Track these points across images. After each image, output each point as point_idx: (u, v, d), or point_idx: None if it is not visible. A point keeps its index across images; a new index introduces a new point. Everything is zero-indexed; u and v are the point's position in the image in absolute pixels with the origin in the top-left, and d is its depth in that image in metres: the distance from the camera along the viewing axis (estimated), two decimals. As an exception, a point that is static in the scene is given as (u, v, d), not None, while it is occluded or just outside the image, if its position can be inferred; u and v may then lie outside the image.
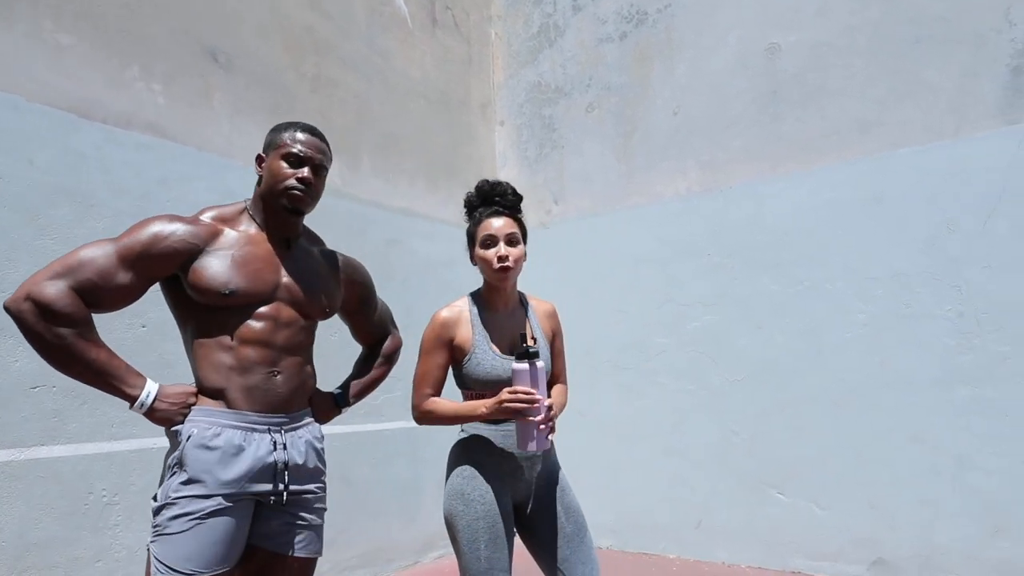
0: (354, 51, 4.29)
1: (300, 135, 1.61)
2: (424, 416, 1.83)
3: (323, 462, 1.67)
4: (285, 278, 1.59)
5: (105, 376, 1.36)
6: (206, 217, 1.56)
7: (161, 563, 1.34)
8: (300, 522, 1.56)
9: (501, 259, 1.80)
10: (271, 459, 1.49)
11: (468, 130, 5.19)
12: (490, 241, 1.82)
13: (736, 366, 4.10)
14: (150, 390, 1.41)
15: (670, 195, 4.51)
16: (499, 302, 1.91)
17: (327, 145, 1.67)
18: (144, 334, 2.96)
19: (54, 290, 1.31)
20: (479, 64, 5.37)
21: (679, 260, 4.39)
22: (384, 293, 4.29)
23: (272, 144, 1.62)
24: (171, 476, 1.42)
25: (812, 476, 3.79)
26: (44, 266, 1.40)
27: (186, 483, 1.40)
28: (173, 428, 1.44)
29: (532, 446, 1.67)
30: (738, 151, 4.24)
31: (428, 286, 4.56)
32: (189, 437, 1.43)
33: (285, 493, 1.50)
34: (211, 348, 1.49)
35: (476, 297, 1.93)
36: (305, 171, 1.59)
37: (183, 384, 1.51)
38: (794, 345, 3.91)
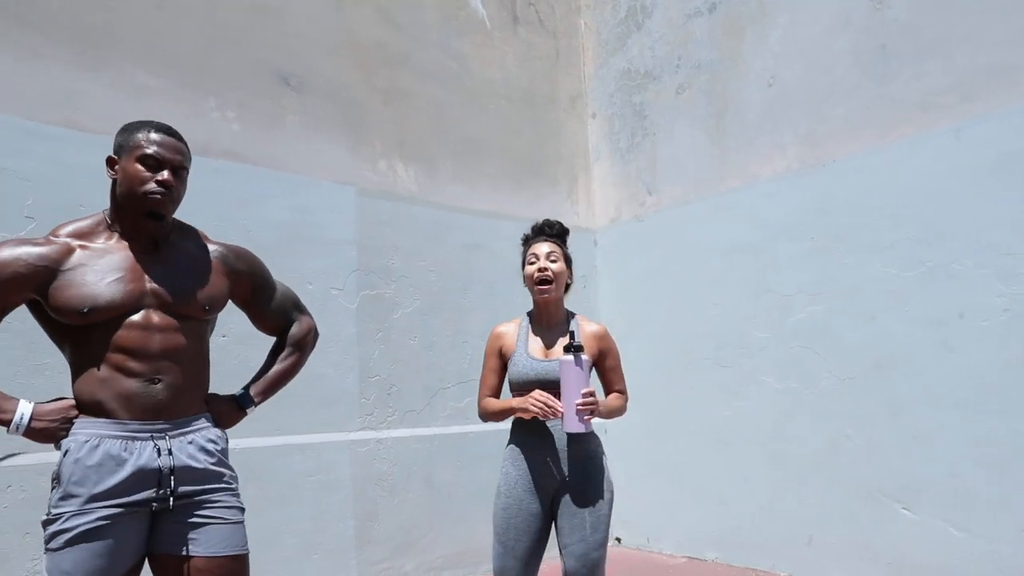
0: (429, 59, 4.36)
1: (155, 135, 1.55)
2: (482, 412, 2.18)
3: (223, 463, 1.62)
4: (151, 284, 1.55)
5: None
6: (61, 234, 1.53)
7: None
8: (199, 522, 1.53)
9: (541, 271, 2.11)
10: (155, 465, 1.48)
11: (556, 126, 5.08)
12: (533, 259, 2.15)
13: (846, 362, 3.62)
14: (23, 411, 1.43)
15: (767, 175, 4.09)
16: (543, 318, 2.20)
17: (185, 144, 1.62)
18: (224, 343, 3.20)
19: None
20: (567, 57, 5.24)
21: (778, 246, 3.96)
22: (468, 297, 4.35)
23: (125, 146, 1.55)
24: (52, 491, 1.46)
25: (943, 491, 3.24)
26: None
27: (64, 499, 1.43)
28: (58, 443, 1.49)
29: (571, 425, 1.93)
30: (841, 120, 3.74)
31: (515, 288, 4.51)
32: (67, 452, 1.45)
33: (171, 498, 1.49)
34: (87, 362, 1.50)
35: (529, 314, 2.26)
36: (164, 174, 1.54)
37: (62, 399, 1.53)
38: (915, 337, 3.37)
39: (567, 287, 2.23)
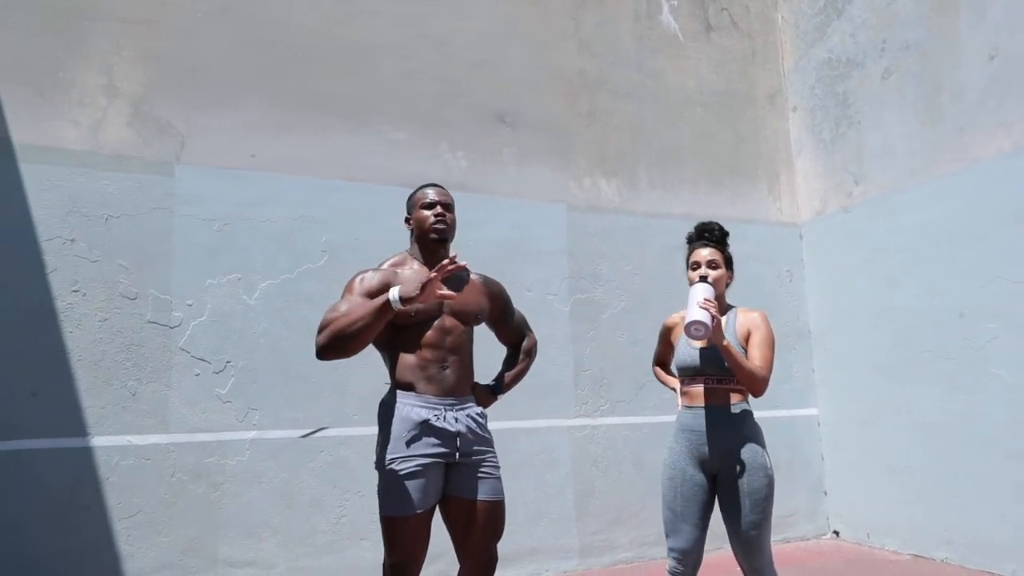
0: (625, 79, 4.76)
1: (428, 190, 2.22)
2: (654, 372, 2.75)
3: (488, 432, 2.19)
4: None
5: (369, 312, 1.98)
6: (386, 266, 2.19)
7: (383, 506, 2.02)
8: (481, 475, 2.10)
9: (702, 279, 2.34)
10: (452, 428, 2.07)
11: (754, 125, 5.16)
12: (695, 266, 2.40)
13: (1091, 354, 3.32)
14: (393, 294, 1.94)
15: (990, 155, 3.84)
16: None
17: (447, 191, 2.26)
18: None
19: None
20: (763, 55, 5.29)
21: (1007, 230, 3.72)
22: (671, 295, 4.66)
23: (412, 203, 2.24)
24: (384, 445, 2.06)
25: None
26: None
27: (395, 449, 2.03)
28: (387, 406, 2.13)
29: (694, 331, 2.15)
30: (1075, 89, 3.43)
31: (716, 285, 4.73)
32: (393, 417, 2.07)
33: (458, 454, 2.07)
34: (401, 354, 2.12)
35: None
36: (438, 208, 2.17)
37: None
38: None
39: (729, 284, 2.45)
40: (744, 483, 2.24)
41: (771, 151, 5.19)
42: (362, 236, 3.86)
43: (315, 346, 2.03)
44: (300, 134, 3.84)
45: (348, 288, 2.13)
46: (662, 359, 2.68)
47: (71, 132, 3.41)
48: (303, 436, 3.61)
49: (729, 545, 2.32)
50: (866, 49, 4.64)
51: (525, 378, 2.48)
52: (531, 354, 2.46)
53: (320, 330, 2.03)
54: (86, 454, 3.23)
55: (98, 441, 3.26)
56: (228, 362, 3.52)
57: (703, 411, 2.33)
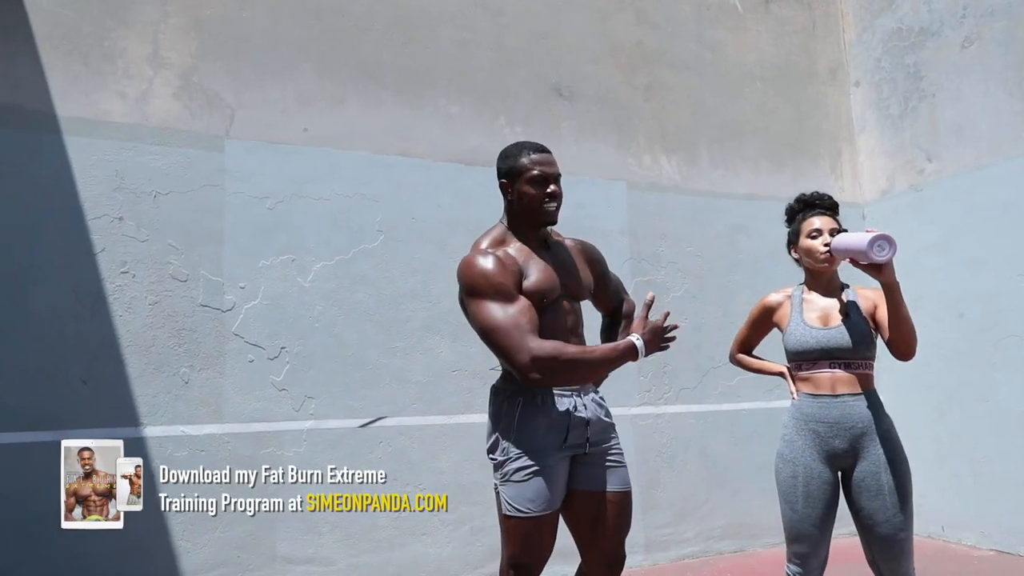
0: (684, 51, 4.52)
1: (535, 155, 1.90)
2: (733, 360, 2.47)
3: (610, 416, 1.99)
4: (560, 274, 1.92)
5: (612, 360, 1.80)
6: (483, 246, 1.89)
7: (510, 504, 1.82)
8: (609, 464, 1.91)
9: (825, 245, 2.12)
10: (583, 416, 1.87)
11: (815, 101, 4.92)
12: (815, 234, 2.15)
13: None
14: (636, 342, 1.79)
15: (1087, 127, 3.60)
16: (818, 287, 2.21)
17: (551, 154, 1.95)
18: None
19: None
20: (824, 28, 5.03)
21: (1106, 207, 3.49)
22: (732, 279, 4.46)
23: (514, 170, 1.91)
24: (507, 436, 1.85)
25: None
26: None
27: (526, 442, 1.83)
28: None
29: (878, 248, 1.87)
30: None
31: (779, 268, 4.49)
32: (519, 404, 1.86)
33: (588, 443, 1.88)
34: None
35: (799, 286, 2.28)
36: (552, 188, 1.88)
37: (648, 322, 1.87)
38: None
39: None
40: (886, 480, 2.02)
41: (832, 128, 4.95)
42: (419, 215, 3.66)
43: (521, 369, 1.73)
44: (353, 107, 3.63)
45: (490, 287, 1.80)
46: (749, 344, 2.41)
47: (117, 104, 3.21)
48: (361, 426, 3.42)
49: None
50: (943, 17, 4.38)
51: None
52: (632, 320, 2.18)
53: (555, 359, 1.73)
54: (138, 444, 3.05)
55: (150, 432, 3.09)
56: (283, 348, 3.34)
57: (833, 400, 2.08)
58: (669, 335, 1.89)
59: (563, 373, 1.76)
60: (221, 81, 3.40)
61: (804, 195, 2.27)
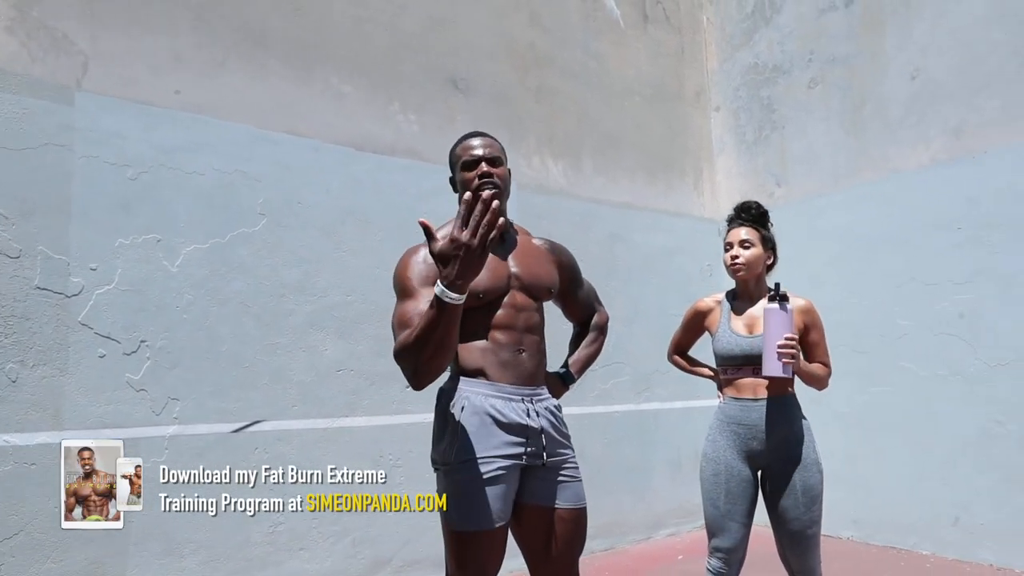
0: (572, 59, 4.59)
1: (465, 141, 1.82)
2: (670, 360, 2.58)
3: (566, 428, 1.86)
4: (514, 268, 1.80)
5: (429, 323, 1.49)
6: (439, 236, 1.61)
7: (453, 515, 1.65)
8: (562, 479, 1.78)
9: (733, 258, 2.28)
10: (528, 424, 1.72)
11: (683, 121, 5.25)
12: (728, 247, 2.30)
13: (998, 350, 3.71)
14: (438, 288, 1.46)
15: (910, 167, 4.18)
16: (746, 295, 2.33)
17: (494, 138, 1.83)
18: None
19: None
20: (691, 53, 5.40)
21: (922, 236, 4.06)
22: (610, 285, 4.60)
23: (453, 163, 1.84)
24: (452, 443, 1.69)
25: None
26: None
27: (468, 449, 1.67)
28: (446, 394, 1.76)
29: (770, 368, 2.05)
30: (995, 112, 3.81)
31: (651, 277, 4.74)
32: (463, 408, 1.68)
33: (545, 455, 1.74)
34: (469, 337, 1.73)
35: (730, 293, 2.40)
36: (482, 166, 1.75)
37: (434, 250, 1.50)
38: (1074, 326, 3.45)
39: (771, 266, 2.34)
40: (799, 479, 2.16)
41: (696, 148, 5.31)
42: (305, 199, 3.34)
43: (405, 378, 1.59)
44: (235, 73, 3.23)
45: (401, 281, 1.71)
46: (683, 346, 2.53)
47: (-72, 32, 2.57)
48: (235, 431, 3.04)
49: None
50: (793, 58, 4.88)
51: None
52: (605, 331, 2.10)
53: (397, 355, 1.58)
54: (-56, 458, 2.45)
55: (-38, 441, 2.49)
56: (143, 342, 2.86)
57: (753, 403, 2.21)
58: (482, 218, 1.43)
59: (411, 356, 1.53)
60: (71, 20, 2.85)
61: (738, 204, 2.40)
